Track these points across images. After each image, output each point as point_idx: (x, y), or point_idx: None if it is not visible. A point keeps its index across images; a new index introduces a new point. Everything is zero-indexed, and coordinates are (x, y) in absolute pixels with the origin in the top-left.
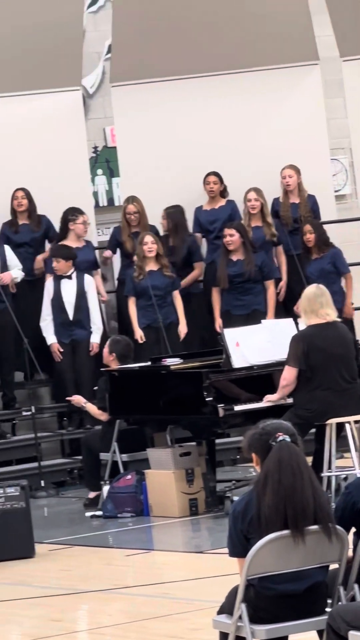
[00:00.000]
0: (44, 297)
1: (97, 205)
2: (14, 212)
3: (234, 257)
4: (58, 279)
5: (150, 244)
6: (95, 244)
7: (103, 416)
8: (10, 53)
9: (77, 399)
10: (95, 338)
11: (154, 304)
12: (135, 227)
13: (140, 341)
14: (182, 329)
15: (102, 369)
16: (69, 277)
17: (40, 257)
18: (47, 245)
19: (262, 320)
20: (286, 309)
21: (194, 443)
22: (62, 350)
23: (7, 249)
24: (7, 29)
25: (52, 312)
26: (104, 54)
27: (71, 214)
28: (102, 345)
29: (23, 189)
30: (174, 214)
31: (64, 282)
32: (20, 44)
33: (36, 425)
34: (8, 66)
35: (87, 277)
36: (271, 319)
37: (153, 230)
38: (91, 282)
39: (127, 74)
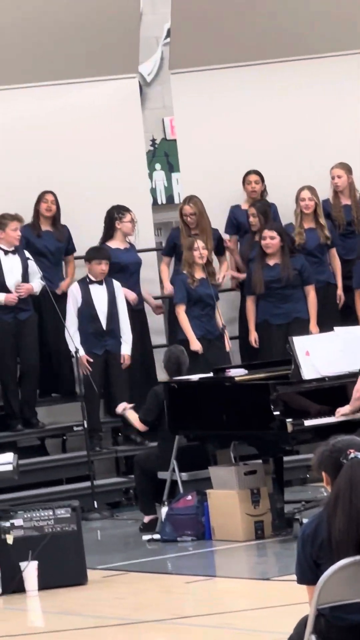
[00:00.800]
0: (67, 304)
1: (155, 203)
2: (36, 214)
3: (271, 262)
4: (85, 284)
5: (201, 250)
6: (154, 245)
7: (142, 427)
8: (63, 38)
9: (122, 405)
10: (125, 349)
11: (207, 314)
12: (194, 229)
13: (200, 352)
14: (227, 341)
15: (160, 381)
16: (100, 282)
17: (65, 283)
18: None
19: (335, 328)
20: (343, 315)
21: (260, 461)
22: (91, 361)
23: (29, 255)
24: (60, 13)
25: (82, 322)
26: (163, 38)
27: (117, 212)
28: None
29: (52, 193)
30: (263, 207)
31: (95, 288)
32: (73, 28)
33: (88, 442)
34: (61, 52)
35: (115, 282)
36: (314, 328)
37: (215, 234)
38: (119, 288)
39: (188, 60)
